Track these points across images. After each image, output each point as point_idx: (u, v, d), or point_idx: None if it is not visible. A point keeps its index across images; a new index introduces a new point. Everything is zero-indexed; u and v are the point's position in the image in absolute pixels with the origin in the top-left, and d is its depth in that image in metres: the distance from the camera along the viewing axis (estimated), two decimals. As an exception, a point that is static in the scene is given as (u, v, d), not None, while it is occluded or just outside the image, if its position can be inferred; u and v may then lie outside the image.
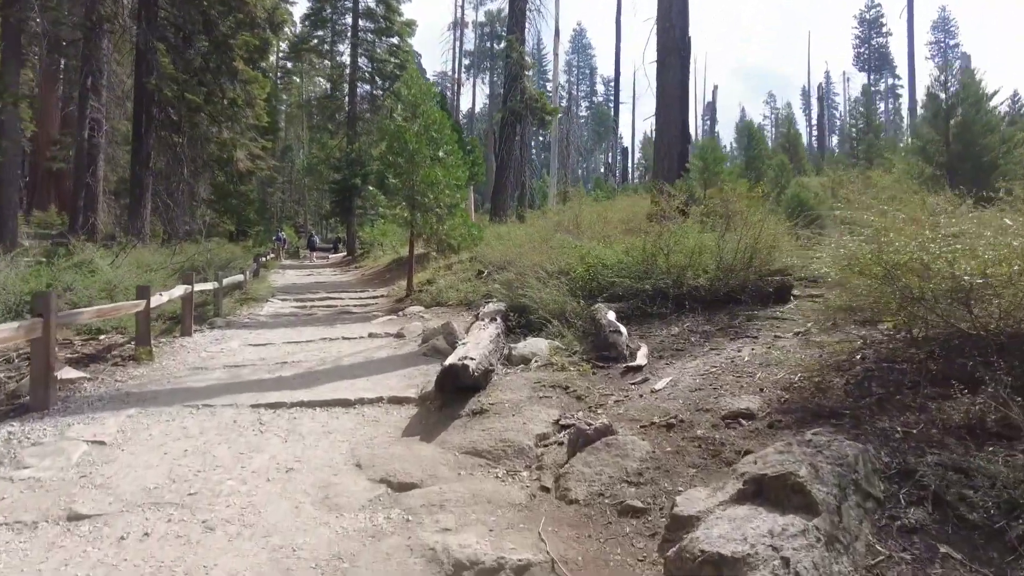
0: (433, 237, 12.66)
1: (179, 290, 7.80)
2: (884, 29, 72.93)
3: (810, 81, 65.26)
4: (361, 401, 4.85)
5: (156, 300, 6.91)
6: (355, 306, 12.96)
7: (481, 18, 64.87)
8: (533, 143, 46.46)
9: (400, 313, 10.95)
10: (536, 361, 5.52)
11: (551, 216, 20.39)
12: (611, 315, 5.84)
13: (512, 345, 6.00)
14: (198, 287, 9.37)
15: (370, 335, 8.47)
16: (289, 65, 47.58)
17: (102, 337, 7.46)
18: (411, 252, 13.46)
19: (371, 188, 13.30)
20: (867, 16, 73.43)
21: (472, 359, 4.51)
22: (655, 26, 12.28)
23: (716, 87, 50.33)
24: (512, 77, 22.47)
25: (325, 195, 38.27)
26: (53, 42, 22.24)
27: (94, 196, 23.22)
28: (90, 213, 23.27)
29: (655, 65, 12.16)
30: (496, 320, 7.02)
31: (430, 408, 4.52)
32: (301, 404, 4.79)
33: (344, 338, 8.31)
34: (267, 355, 7.16)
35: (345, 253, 33.28)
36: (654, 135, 12.06)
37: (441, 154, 13.00)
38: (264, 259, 23.09)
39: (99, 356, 6.28)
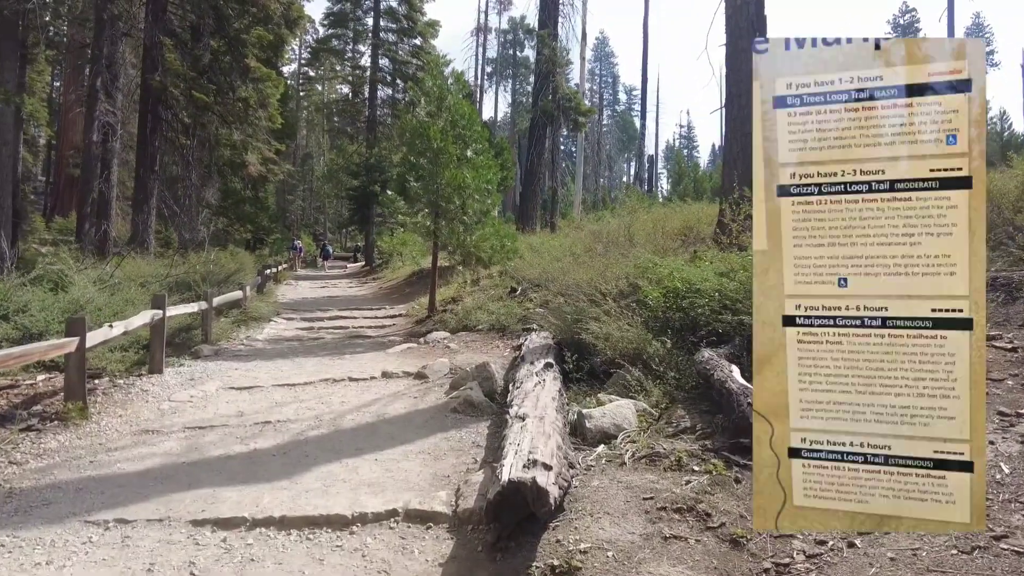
0: (459, 249, 10.90)
1: (142, 318, 6.10)
2: (920, 35, 70.34)
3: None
4: (363, 518, 3.04)
5: (102, 335, 5.22)
6: (370, 328, 11.24)
7: (504, 25, 63.60)
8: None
9: (421, 339, 9.20)
10: (627, 440, 3.69)
11: (587, 226, 18.57)
12: (736, 372, 3.98)
13: (584, 411, 4.16)
14: (180, 310, 7.71)
15: (384, 375, 6.70)
16: (311, 73, 46.56)
17: (40, 379, 5.79)
18: (434, 267, 11.71)
19: (389, 193, 11.60)
20: (901, 21, 70.81)
21: (547, 468, 2.67)
22: (722, 2, 10.44)
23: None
24: (543, 75, 20.75)
25: (344, 203, 36.79)
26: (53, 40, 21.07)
27: (107, 203, 22.08)
28: (103, 221, 22.13)
29: (723, 49, 10.32)
30: (552, 367, 5.21)
31: (475, 547, 2.71)
32: (269, 523, 3.00)
33: (351, 379, 6.54)
34: (248, 407, 5.42)
35: (363, 263, 31.77)
36: (724, 132, 10.22)
37: (469, 153, 11.27)
38: (276, 269, 21.56)
39: (9, 415, 4.58)
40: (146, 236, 17.89)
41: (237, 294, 10.94)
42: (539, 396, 4.05)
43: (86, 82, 28.89)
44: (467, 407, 5.24)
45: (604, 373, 5.70)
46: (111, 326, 5.33)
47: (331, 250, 37.43)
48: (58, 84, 33.54)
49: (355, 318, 12.41)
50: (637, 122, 68.38)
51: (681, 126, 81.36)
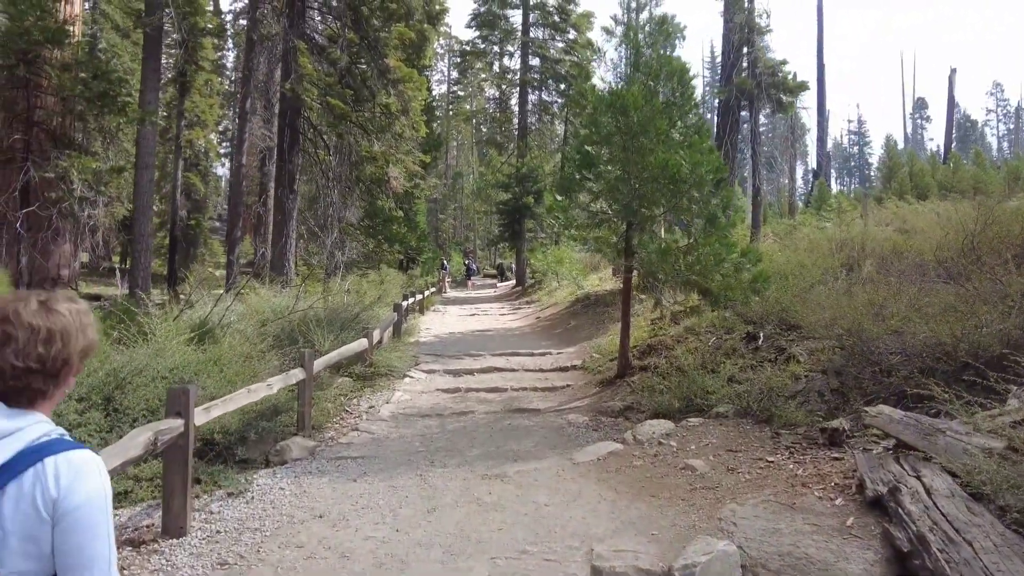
0: (672, 276, 7.07)
1: (116, 455, 2.98)
2: None
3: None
4: None
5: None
6: (536, 392, 7.79)
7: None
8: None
9: (629, 434, 5.52)
10: None
11: (801, 232, 13.83)
12: None
13: None
14: (233, 404, 4.64)
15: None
16: (460, 92, 45.23)
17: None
18: (626, 301, 7.97)
19: (559, 198, 8.11)
20: None
21: None
22: None
23: (954, 70, 36.52)
24: (736, 46, 16.37)
25: (494, 219, 34.55)
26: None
27: (267, 227, 21.16)
28: (262, 245, 21.11)
29: None
30: None
31: None
32: None
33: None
34: None
35: (513, 283, 28.94)
36: None
37: (676, 135, 7.45)
38: (422, 296, 19.13)
39: None
40: (285, 261, 15.99)
41: (360, 344, 7.96)
42: None
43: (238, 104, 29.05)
44: None
45: None
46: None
47: (475, 267, 35.67)
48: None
49: (514, 371, 9.04)
50: (804, 117, 59.68)
51: (850, 120, 71.20)
